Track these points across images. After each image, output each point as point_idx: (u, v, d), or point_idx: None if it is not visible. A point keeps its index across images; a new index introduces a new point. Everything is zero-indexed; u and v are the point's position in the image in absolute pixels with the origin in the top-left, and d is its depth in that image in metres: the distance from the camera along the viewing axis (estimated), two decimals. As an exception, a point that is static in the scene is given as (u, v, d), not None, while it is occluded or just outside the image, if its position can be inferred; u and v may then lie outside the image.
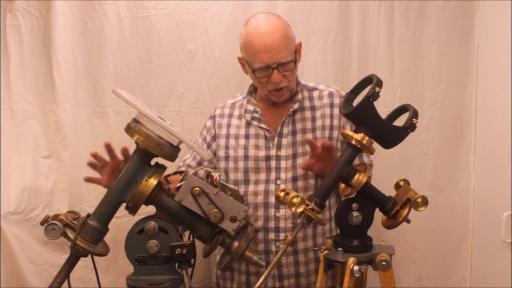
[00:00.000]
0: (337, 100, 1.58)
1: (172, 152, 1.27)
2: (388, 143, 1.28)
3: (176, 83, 1.91)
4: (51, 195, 1.88)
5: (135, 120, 1.27)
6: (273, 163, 1.55)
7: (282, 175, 1.54)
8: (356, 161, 1.51)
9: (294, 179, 1.54)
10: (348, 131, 1.25)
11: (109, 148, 1.44)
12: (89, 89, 1.90)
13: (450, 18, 1.91)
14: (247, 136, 1.59)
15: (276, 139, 1.56)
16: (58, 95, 1.87)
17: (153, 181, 1.28)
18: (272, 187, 1.55)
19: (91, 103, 1.90)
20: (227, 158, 1.59)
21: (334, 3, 1.89)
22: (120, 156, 1.44)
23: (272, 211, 1.54)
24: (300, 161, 1.54)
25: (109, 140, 1.88)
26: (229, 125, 1.62)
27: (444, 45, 1.92)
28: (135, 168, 1.29)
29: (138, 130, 1.24)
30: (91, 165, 1.47)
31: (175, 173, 1.55)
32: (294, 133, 1.56)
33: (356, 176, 1.25)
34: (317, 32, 1.91)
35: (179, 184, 1.29)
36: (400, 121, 1.29)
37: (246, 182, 1.56)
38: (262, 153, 1.56)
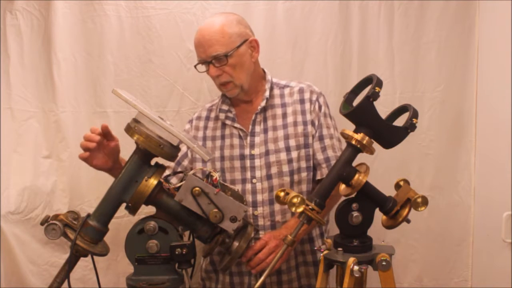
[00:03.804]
0: (307, 95, 1.60)
1: (172, 152, 1.27)
2: (388, 143, 1.27)
3: (176, 83, 1.91)
4: (51, 195, 1.89)
5: (135, 120, 1.27)
6: (247, 162, 1.57)
7: (257, 174, 1.56)
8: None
9: (269, 177, 1.56)
10: (348, 131, 1.25)
11: (106, 130, 1.40)
12: (89, 89, 1.90)
13: (450, 18, 1.91)
14: (222, 137, 1.61)
15: (249, 138, 1.58)
16: (58, 95, 1.87)
17: (153, 181, 1.28)
18: (248, 186, 1.56)
19: (91, 103, 1.90)
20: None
21: (334, 3, 1.89)
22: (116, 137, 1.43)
23: (249, 210, 1.55)
24: (272, 158, 1.55)
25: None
26: (205, 127, 1.65)
27: (444, 45, 1.92)
28: (135, 168, 1.29)
29: (138, 130, 1.24)
30: (85, 147, 1.38)
31: (175, 173, 1.55)
32: (265, 131, 1.58)
33: (356, 176, 1.24)
34: (317, 32, 1.91)
35: (179, 184, 1.29)
36: (400, 121, 1.29)
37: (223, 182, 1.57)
38: (236, 152, 1.58)
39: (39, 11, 1.85)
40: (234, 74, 1.52)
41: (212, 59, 1.49)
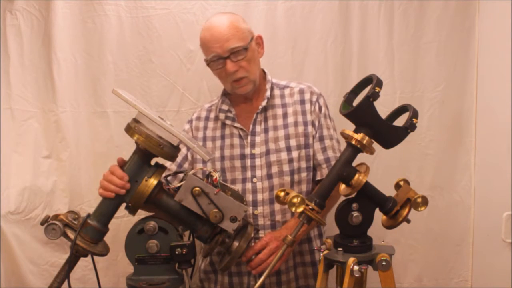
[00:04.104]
0: (307, 96, 1.60)
1: (172, 152, 1.27)
2: (388, 143, 1.28)
3: (176, 83, 1.91)
4: (51, 195, 1.89)
5: (135, 120, 1.27)
6: (248, 162, 1.57)
7: (258, 173, 1.56)
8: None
9: (269, 176, 1.56)
10: (348, 131, 1.25)
11: (123, 163, 1.36)
12: (89, 89, 1.90)
13: (450, 18, 1.91)
14: (222, 137, 1.61)
15: (249, 137, 1.58)
16: (58, 95, 1.87)
17: (153, 181, 1.28)
18: (248, 185, 1.56)
19: (91, 103, 1.90)
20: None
21: (334, 3, 1.89)
22: None
23: (250, 209, 1.55)
24: (273, 158, 1.56)
25: (109, 140, 1.91)
26: (205, 128, 1.64)
27: (444, 45, 1.92)
28: (135, 168, 1.29)
29: (138, 130, 1.24)
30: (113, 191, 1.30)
31: (175, 173, 1.55)
32: (266, 130, 1.58)
33: (356, 176, 1.25)
34: (317, 32, 1.91)
35: (179, 184, 1.29)
36: (400, 121, 1.29)
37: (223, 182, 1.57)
38: (237, 151, 1.58)
39: (39, 11, 1.85)
40: (250, 68, 1.51)
41: (230, 54, 1.48)
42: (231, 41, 1.47)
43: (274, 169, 1.56)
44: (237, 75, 1.50)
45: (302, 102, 1.60)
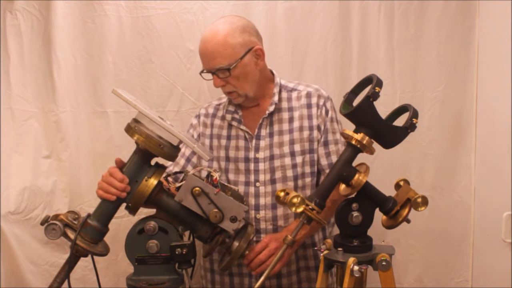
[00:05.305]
0: (314, 100, 1.57)
1: (172, 152, 1.27)
2: (388, 143, 1.28)
3: (176, 83, 1.91)
4: (51, 195, 1.89)
5: (135, 120, 1.27)
6: (251, 165, 1.56)
7: (261, 177, 1.55)
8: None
9: (273, 181, 1.55)
10: (348, 131, 1.25)
11: (122, 164, 1.35)
12: (89, 89, 1.90)
13: (450, 18, 1.91)
14: (228, 137, 1.60)
15: (254, 141, 1.56)
16: (58, 95, 1.87)
17: (153, 181, 1.28)
18: (251, 189, 1.55)
19: (91, 103, 1.90)
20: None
21: (334, 3, 1.89)
22: None
23: (252, 213, 1.54)
24: (277, 163, 1.54)
25: (109, 140, 1.91)
26: (212, 125, 1.63)
27: (444, 45, 1.92)
28: (135, 168, 1.29)
29: (138, 130, 1.24)
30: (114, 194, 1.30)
31: (175, 173, 1.55)
32: (271, 135, 1.56)
33: (356, 176, 1.24)
34: (317, 32, 1.91)
35: (179, 184, 1.29)
36: (400, 121, 1.29)
37: (226, 182, 1.56)
38: (241, 154, 1.57)
39: (39, 11, 1.85)
40: (238, 84, 1.49)
41: (216, 71, 1.47)
42: (216, 60, 1.44)
43: (278, 174, 1.55)
44: (225, 89, 1.51)
45: (309, 106, 1.57)
